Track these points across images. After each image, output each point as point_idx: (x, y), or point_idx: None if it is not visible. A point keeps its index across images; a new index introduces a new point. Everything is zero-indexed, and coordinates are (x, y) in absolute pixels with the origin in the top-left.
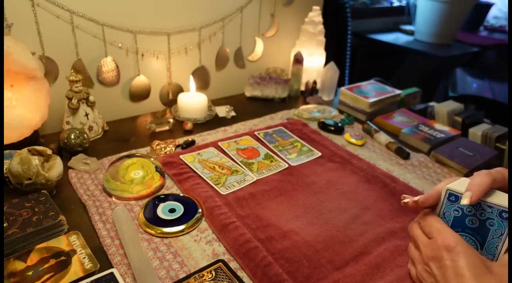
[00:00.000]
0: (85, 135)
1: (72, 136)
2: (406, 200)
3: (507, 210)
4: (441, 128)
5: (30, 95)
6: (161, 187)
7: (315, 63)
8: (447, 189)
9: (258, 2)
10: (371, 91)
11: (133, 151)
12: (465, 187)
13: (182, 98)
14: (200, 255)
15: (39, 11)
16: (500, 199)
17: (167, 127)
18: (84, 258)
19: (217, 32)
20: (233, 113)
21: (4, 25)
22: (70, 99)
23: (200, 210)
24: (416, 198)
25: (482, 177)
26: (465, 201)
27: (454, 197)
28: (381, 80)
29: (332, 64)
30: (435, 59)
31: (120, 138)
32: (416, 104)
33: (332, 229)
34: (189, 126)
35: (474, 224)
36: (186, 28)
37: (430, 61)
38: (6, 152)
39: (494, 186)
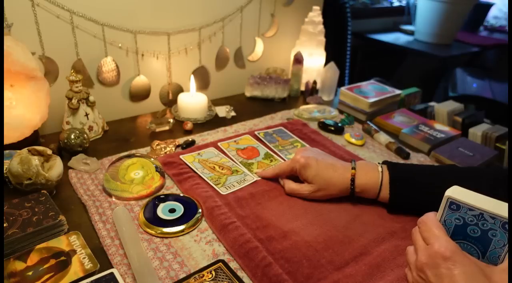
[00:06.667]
0: (85, 135)
1: (72, 136)
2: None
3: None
4: (441, 128)
5: (30, 95)
6: (161, 187)
7: (315, 63)
8: (448, 198)
9: (258, 2)
10: (371, 91)
11: (133, 151)
12: (465, 195)
13: (182, 98)
14: (200, 255)
15: (39, 11)
16: (503, 210)
17: (167, 127)
18: (84, 258)
19: (217, 32)
20: (233, 113)
21: (4, 25)
22: (70, 99)
23: (200, 210)
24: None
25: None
26: None
27: (455, 206)
28: (381, 80)
29: (332, 64)
30: (435, 59)
31: (120, 138)
32: (416, 104)
33: (332, 229)
34: (189, 126)
35: (475, 234)
36: (186, 28)
37: (430, 61)
38: (6, 152)
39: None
